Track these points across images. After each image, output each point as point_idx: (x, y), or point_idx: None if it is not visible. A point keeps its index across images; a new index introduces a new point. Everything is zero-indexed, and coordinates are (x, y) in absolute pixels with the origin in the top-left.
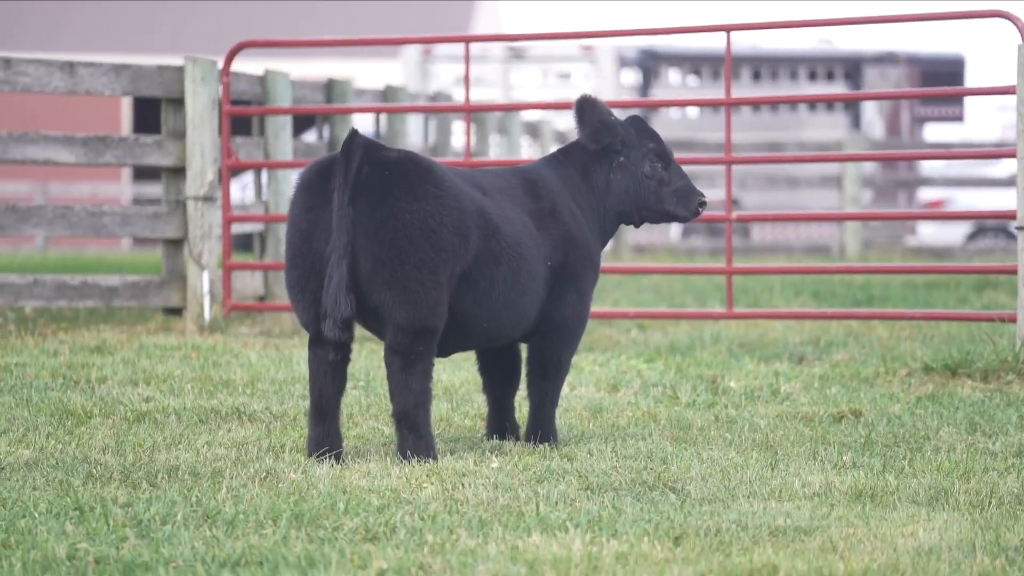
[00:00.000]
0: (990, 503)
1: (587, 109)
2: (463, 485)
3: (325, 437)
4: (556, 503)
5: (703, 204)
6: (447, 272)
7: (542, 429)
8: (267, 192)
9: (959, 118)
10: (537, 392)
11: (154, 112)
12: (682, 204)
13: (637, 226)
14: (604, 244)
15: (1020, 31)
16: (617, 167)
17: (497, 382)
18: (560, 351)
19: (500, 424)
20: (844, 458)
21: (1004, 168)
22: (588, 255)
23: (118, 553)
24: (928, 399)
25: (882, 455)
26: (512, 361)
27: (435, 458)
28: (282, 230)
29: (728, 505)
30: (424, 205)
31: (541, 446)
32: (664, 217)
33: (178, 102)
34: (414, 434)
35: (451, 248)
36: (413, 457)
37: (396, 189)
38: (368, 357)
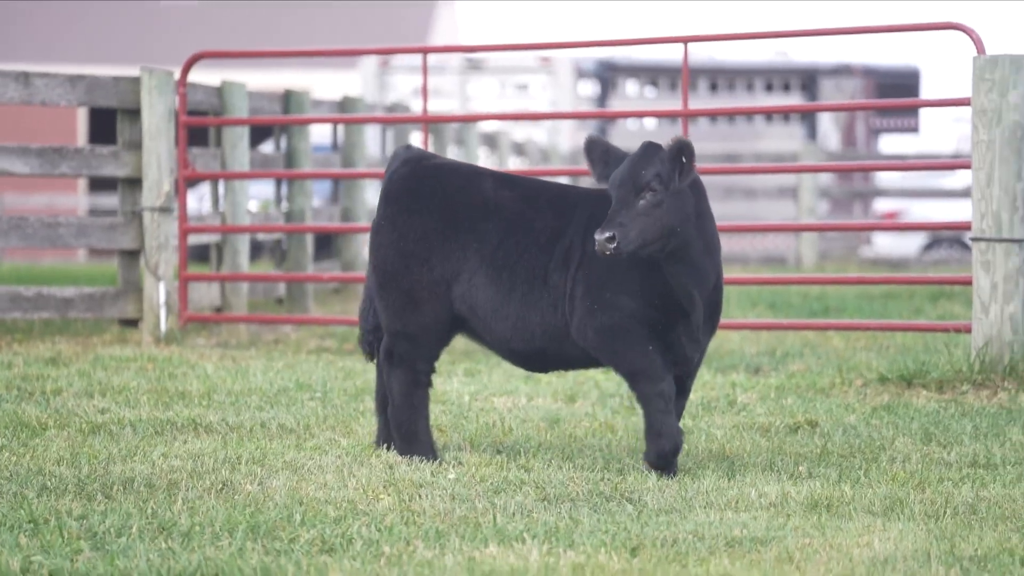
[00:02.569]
0: (945, 513)
1: (598, 147)
2: (420, 496)
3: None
4: (513, 514)
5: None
6: (420, 280)
7: (652, 433)
8: (224, 203)
9: (914, 129)
10: (637, 402)
11: (110, 123)
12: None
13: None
14: (706, 268)
15: (975, 43)
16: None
17: None
18: (620, 362)
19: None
20: (800, 468)
21: (959, 179)
22: (612, 269)
23: (72, 566)
24: (884, 409)
25: (838, 465)
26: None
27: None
28: (239, 241)
29: (685, 516)
30: (395, 214)
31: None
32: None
33: (134, 113)
34: (399, 437)
35: (421, 257)
36: (402, 455)
37: (383, 199)
38: (325, 368)
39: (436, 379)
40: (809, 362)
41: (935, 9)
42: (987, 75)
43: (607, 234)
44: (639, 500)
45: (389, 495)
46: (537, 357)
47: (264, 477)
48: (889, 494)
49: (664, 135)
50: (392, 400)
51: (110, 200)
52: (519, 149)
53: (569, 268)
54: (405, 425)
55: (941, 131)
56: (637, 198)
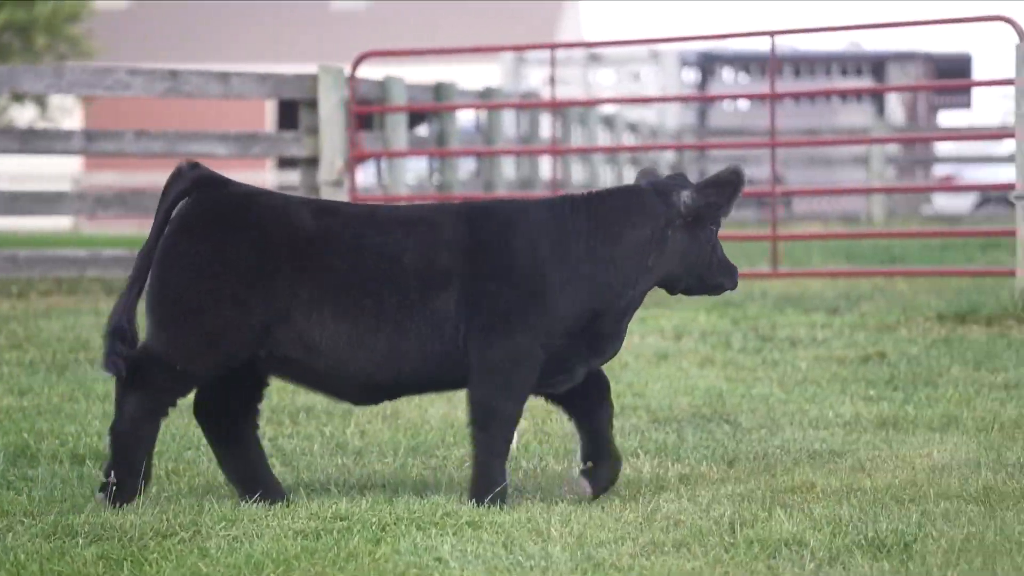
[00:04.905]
0: (993, 428)
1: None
2: (551, 419)
3: None
4: (629, 434)
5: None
6: (231, 322)
7: (480, 484)
8: (386, 176)
9: (967, 106)
10: (475, 444)
11: (293, 112)
12: (728, 275)
13: (673, 293)
14: (629, 299)
15: (1018, 32)
16: (680, 227)
17: (579, 414)
18: (491, 399)
19: (595, 454)
20: (871, 392)
21: (1005, 147)
22: (529, 294)
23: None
24: (941, 342)
25: (902, 389)
26: (593, 387)
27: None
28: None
29: (773, 433)
30: (201, 248)
31: (472, 502)
32: (713, 289)
33: (312, 103)
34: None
35: (235, 298)
36: (105, 475)
37: (181, 228)
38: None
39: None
40: (878, 303)
41: (984, 4)
42: None
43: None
44: (735, 421)
45: (526, 419)
46: (397, 388)
47: (422, 405)
48: (946, 413)
49: (755, 114)
50: (120, 419)
51: (293, 177)
52: (632, 128)
53: (446, 290)
54: (123, 455)
55: (990, 106)
56: None
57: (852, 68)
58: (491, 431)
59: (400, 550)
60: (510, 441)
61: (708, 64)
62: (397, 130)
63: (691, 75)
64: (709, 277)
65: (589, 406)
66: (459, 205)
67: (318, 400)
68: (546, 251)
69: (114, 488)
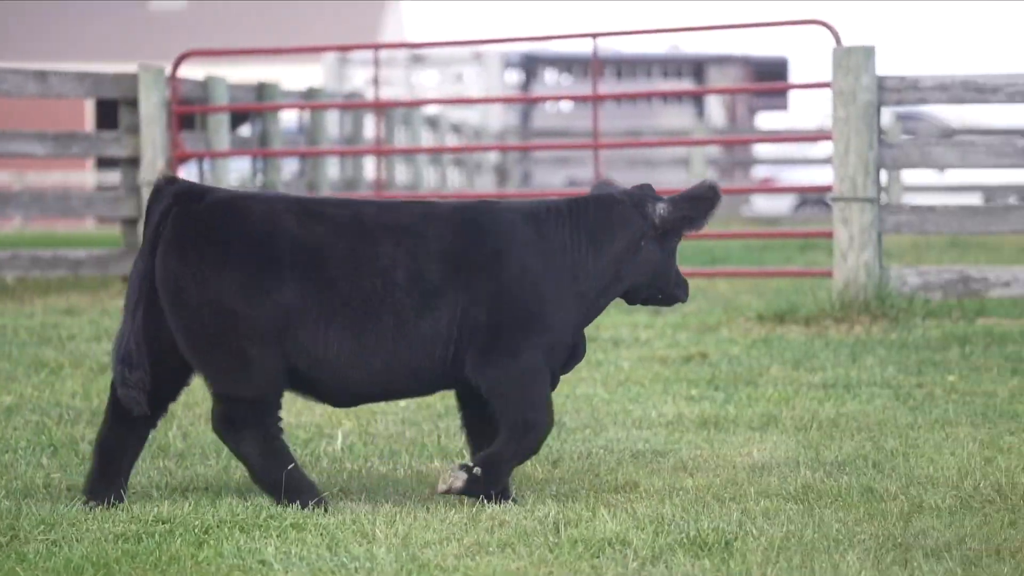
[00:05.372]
0: (811, 427)
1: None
2: (376, 421)
3: None
4: (454, 435)
5: None
6: (249, 336)
7: (485, 480)
8: (208, 177)
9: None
10: (500, 443)
11: (113, 111)
12: (684, 287)
13: (632, 303)
14: (598, 309)
15: (834, 36)
16: (653, 238)
17: (477, 434)
18: (515, 414)
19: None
20: (692, 392)
21: (823, 149)
22: (530, 312)
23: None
24: (761, 342)
25: (723, 389)
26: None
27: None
28: None
29: (597, 433)
30: (201, 269)
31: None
32: (669, 301)
33: (133, 103)
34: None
35: (245, 313)
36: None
37: (173, 249)
38: None
39: None
40: (700, 304)
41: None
42: (843, 62)
43: None
44: (559, 421)
45: (350, 420)
46: (383, 397)
47: None
48: (765, 412)
49: (578, 116)
50: (252, 467)
51: (113, 176)
52: (456, 129)
53: (439, 308)
54: (280, 481)
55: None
56: None
57: (673, 71)
58: (523, 443)
59: (223, 553)
60: (534, 449)
61: (531, 65)
62: (219, 130)
63: (514, 76)
64: (668, 289)
65: (490, 424)
66: (451, 210)
67: None
68: (540, 264)
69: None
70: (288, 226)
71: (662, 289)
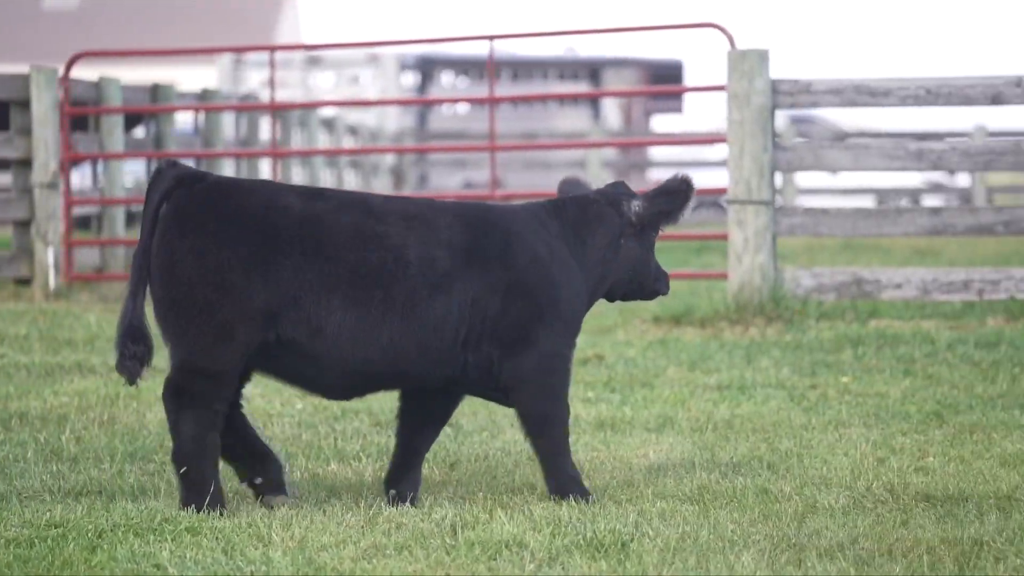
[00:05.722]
0: (707, 428)
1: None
2: (272, 423)
3: None
4: (351, 437)
5: None
6: (240, 310)
7: (559, 482)
8: (102, 179)
9: (680, 111)
10: (537, 450)
11: (4, 113)
12: (664, 281)
13: (612, 300)
14: (588, 307)
15: (729, 39)
16: (631, 235)
17: (409, 429)
18: (537, 406)
19: (399, 474)
20: (589, 394)
21: (717, 152)
22: (546, 300)
23: None
24: (657, 344)
25: (620, 391)
26: (440, 412)
27: (201, 508)
28: (116, 211)
29: (495, 436)
30: (199, 242)
31: (569, 501)
32: (649, 295)
33: (24, 104)
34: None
35: (241, 286)
36: (185, 506)
37: (173, 225)
38: None
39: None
40: (596, 306)
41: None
42: (738, 66)
43: None
44: (456, 423)
45: None
46: (387, 378)
47: (140, 410)
48: (661, 413)
49: (475, 118)
50: (180, 442)
51: (4, 178)
52: (352, 131)
53: (450, 291)
54: (194, 472)
55: (702, 112)
56: None
57: (569, 73)
58: (550, 434)
59: (117, 557)
60: (568, 435)
61: (427, 67)
62: (113, 132)
63: (410, 78)
64: (649, 283)
65: (424, 427)
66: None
67: (32, 405)
68: (547, 255)
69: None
70: (290, 203)
71: (643, 284)
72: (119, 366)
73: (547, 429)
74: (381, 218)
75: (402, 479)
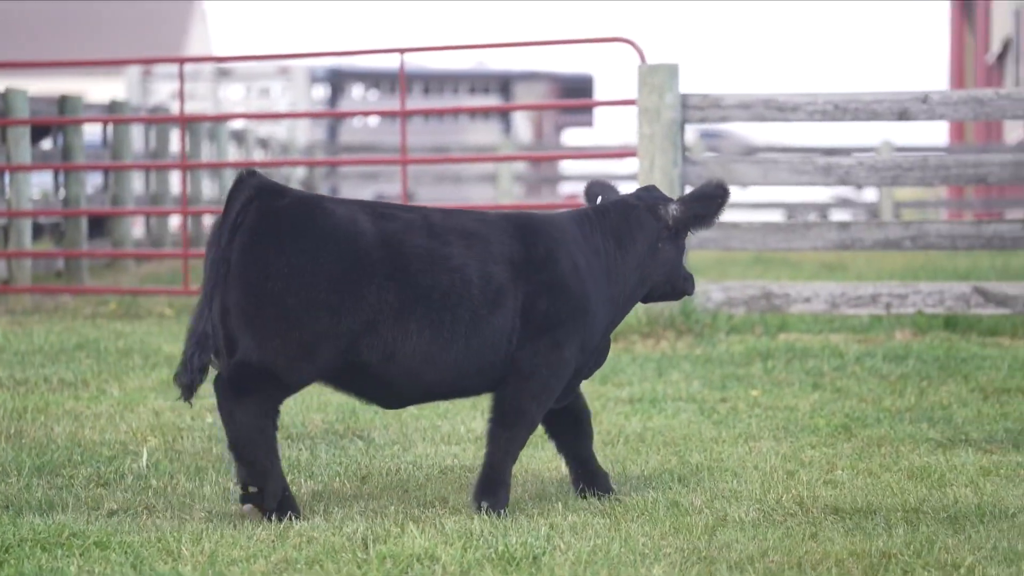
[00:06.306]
0: (618, 441)
1: (599, 190)
2: (182, 438)
3: None
4: None
5: None
6: (327, 331)
7: (490, 480)
8: (9, 191)
9: (590, 125)
10: (493, 441)
11: None
12: (691, 281)
13: (646, 302)
14: (625, 312)
15: (639, 54)
16: (667, 238)
17: (565, 436)
18: (523, 400)
19: (587, 480)
20: None
21: (628, 166)
22: (577, 308)
23: None
24: None
25: None
26: (572, 413)
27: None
28: (22, 223)
29: (406, 449)
30: (294, 259)
31: (483, 508)
32: (678, 296)
33: None
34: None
35: (331, 307)
36: (261, 493)
37: (263, 237)
38: (99, 330)
39: None
40: None
41: (607, 24)
42: (648, 80)
43: None
44: (368, 437)
45: (156, 437)
46: (441, 398)
47: (47, 424)
48: None
49: (385, 131)
50: (237, 431)
51: None
52: (263, 144)
53: (505, 305)
54: (260, 463)
55: (612, 126)
56: None
57: (480, 87)
58: (514, 431)
59: (24, 572)
60: (523, 445)
61: (338, 80)
62: (20, 144)
63: (321, 91)
64: (679, 284)
65: (575, 436)
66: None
67: None
68: (585, 266)
69: (262, 498)
70: (366, 223)
71: (675, 285)
72: (181, 376)
73: (515, 427)
74: (445, 239)
75: (592, 483)
